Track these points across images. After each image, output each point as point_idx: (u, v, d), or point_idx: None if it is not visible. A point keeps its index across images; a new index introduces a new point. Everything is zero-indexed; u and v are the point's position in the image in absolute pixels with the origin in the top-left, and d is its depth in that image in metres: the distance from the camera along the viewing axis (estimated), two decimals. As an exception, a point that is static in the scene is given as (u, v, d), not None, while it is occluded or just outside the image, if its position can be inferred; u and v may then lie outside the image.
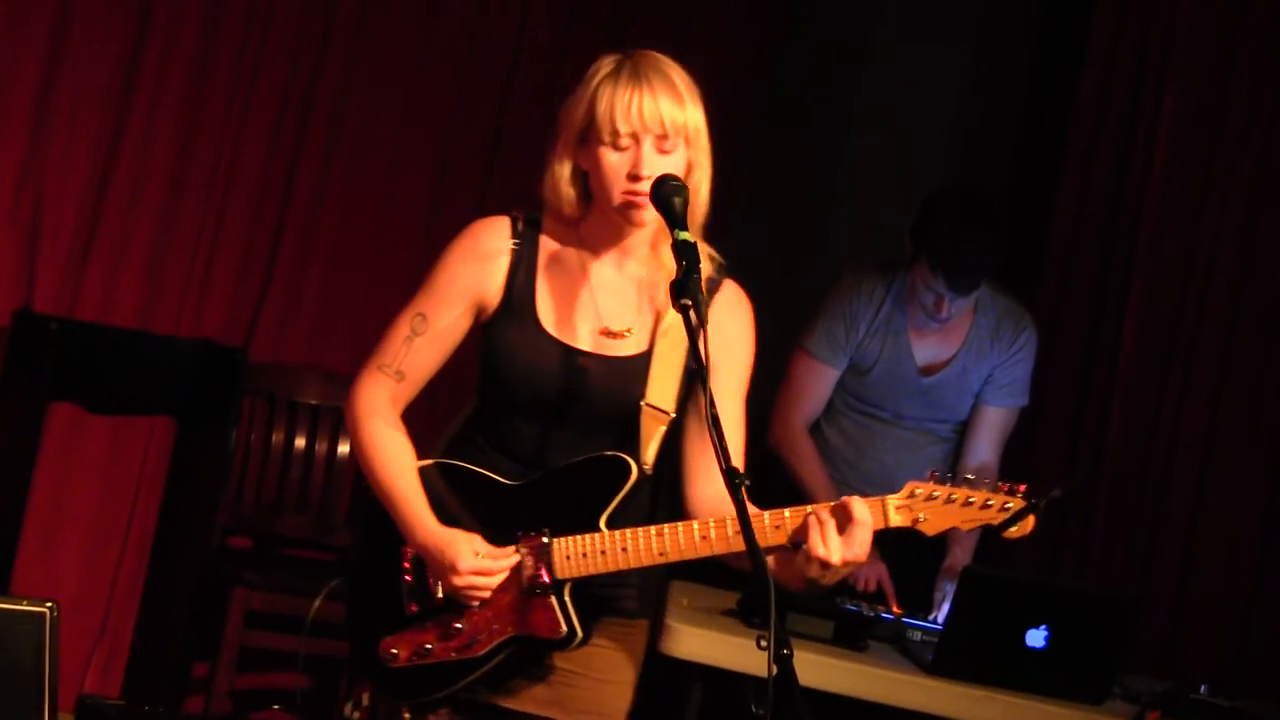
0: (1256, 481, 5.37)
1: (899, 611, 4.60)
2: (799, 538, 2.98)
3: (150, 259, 5.47)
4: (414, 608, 3.13)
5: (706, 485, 3.13)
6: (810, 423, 4.93)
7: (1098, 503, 5.48)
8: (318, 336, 5.77)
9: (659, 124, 3.03)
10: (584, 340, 3.13)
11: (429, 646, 3.11)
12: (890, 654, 4.35)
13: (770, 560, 2.95)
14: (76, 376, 5.23)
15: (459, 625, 3.10)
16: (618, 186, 3.05)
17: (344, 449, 5.69)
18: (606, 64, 3.09)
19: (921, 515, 3.03)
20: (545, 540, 3.07)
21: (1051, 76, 6.13)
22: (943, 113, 6.43)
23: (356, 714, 5.57)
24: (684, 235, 3.00)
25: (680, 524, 3.05)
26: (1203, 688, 4.43)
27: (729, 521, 2.99)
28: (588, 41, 6.00)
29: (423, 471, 3.15)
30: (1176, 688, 4.48)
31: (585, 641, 3.09)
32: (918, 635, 4.46)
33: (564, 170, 3.12)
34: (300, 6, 5.62)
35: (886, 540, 4.85)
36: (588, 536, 3.06)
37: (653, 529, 3.04)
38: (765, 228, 6.39)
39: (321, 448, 5.67)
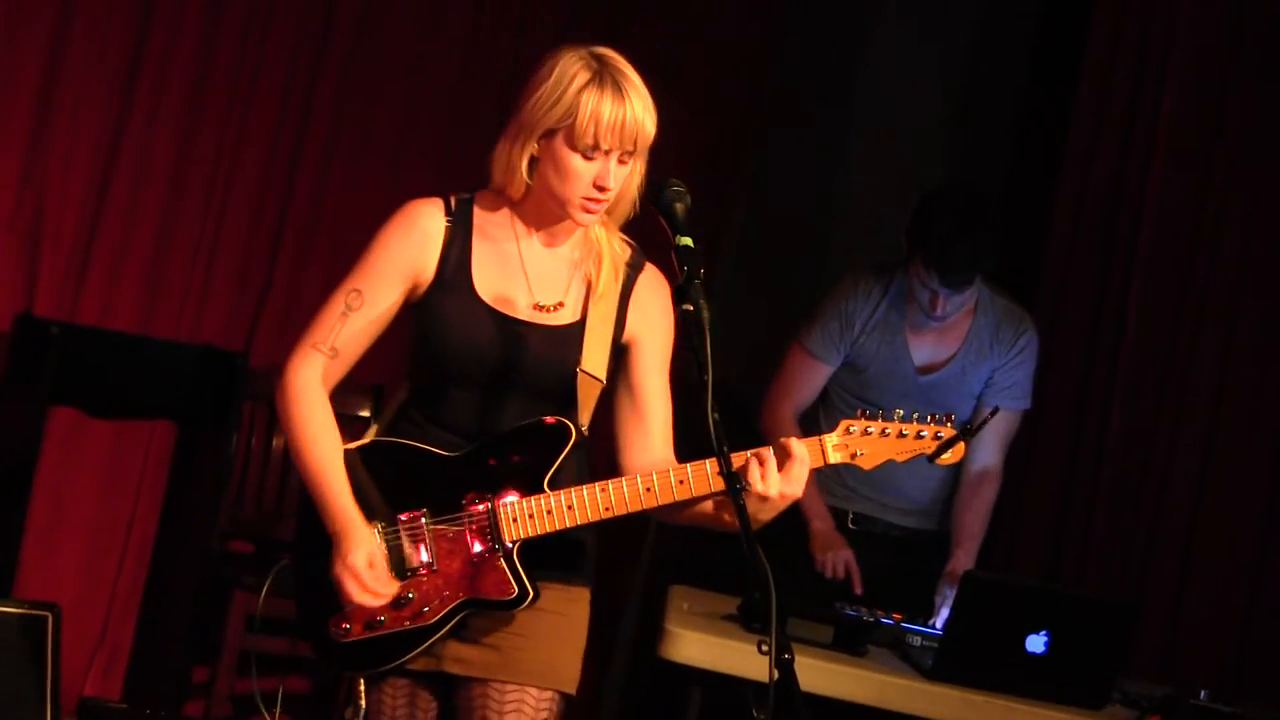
0: (1257, 484, 5.37)
1: (859, 592, 4.63)
2: (741, 475, 3.09)
3: (151, 263, 5.47)
4: None
5: (642, 453, 3.26)
6: (799, 413, 4.96)
7: (1098, 506, 5.48)
8: (318, 341, 5.76)
9: (634, 143, 3.14)
10: (520, 312, 3.22)
11: (381, 618, 3.17)
12: (890, 659, 4.35)
13: (710, 506, 3.15)
14: (77, 381, 5.23)
15: (410, 594, 3.16)
16: (578, 191, 3.15)
17: (344, 453, 5.69)
18: (580, 67, 3.17)
19: (859, 450, 3.20)
20: (490, 503, 3.15)
21: (1051, 76, 6.13)
22: (942, 113, 6.43)
23: (356, 718, 5.58)
24: (685, 241, 3.06)
25: (623, 478, 3.15)
26: (1202, 693, 4.43)
27: (671, 471, 3.13)
28: (587, 45, 6.01)
29: (359, 451, 3.22)
30: (1176, 693, 4.48)
31: (535, 600, 3.16)
32: (918, 640, 4.46)
33: (523, 158, 3.19)
34: (299, 10, 5.62)
35: (890, 547, 4.93)
36: (533, 498, 3.15)
37: (596, 485, 3.14)
38: (764, 227, 6.39)
39: (322, 452, 5.66)
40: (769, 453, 3.12)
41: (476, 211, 3.27)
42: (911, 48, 6.47)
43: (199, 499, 5.47)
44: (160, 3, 5.37)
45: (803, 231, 6.46)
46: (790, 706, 2.77)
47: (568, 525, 3.14)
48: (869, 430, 3.20)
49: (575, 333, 3.22)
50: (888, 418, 3.21)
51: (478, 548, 3.15)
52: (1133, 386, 5.50)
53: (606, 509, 3.14)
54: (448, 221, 3.24)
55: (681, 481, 3.13)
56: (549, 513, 3.14)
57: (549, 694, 3.24)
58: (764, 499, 3.09)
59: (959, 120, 6.45)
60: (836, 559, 4.80)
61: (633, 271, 3.28)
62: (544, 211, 3.23)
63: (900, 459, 3.24)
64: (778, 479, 3.10)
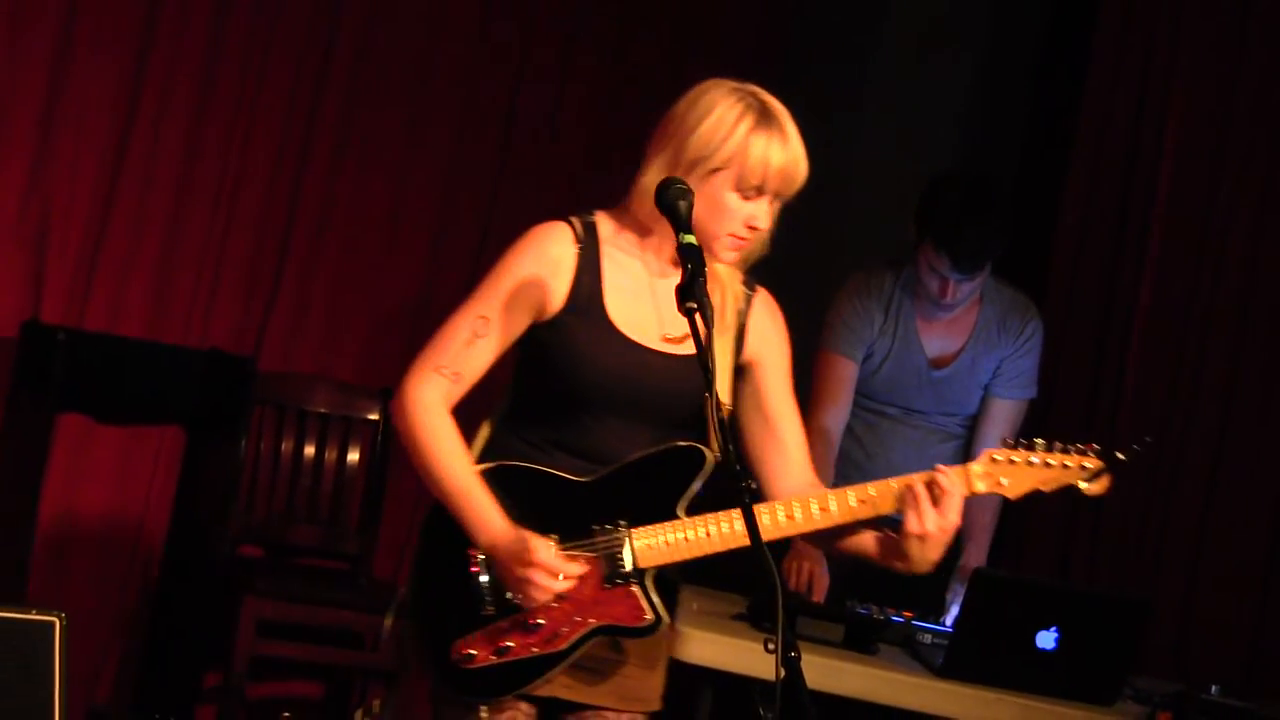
0: (1268, 478, 5.34)
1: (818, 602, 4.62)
2: (897, 507, 3.15)
3: (158, 269, 5.47)
4: (490, 609, 3.15)
5: (784, 476, 3.29)
6: (839, 424, 4.89)
7: (1108, 502, 5.46)
8: (326, 346, 5.77)
9: (794, 190, 3.22)
10: (652, 341, 3.22)
11: (509, 644, 3.14)
12: (900, 657, 4.34)
13: (866, 546, 3.22)
14: (85, 387, 5.24)
15: (539, 620, 3.13)
16: (729, 228, 3.18)
17: (354, 457, 5.70)
18: (743, 108, 3.17)
19: (1004, 480, 3.19)
20: (624, 530, 3.13)
21: (1061, 67, 6.12)
22: (952, 105, 6.43)
23: (368, 721, 5.59)
24: (689, 239, 3.05)
25: (763, 505, 3.15)
26: (1214, 689, 4.42)
27: (812, 501, 3.14)
28: (592, 53, 6.02)
29: (483, 475, 3.17)
30: (1187, 689, 4.47)
31: (666, 626, 3.17)
32: (928, 638, 4.45)
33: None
34: (305, 18, 5.62)
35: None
36: (668, 524, 3.14)
37: (733, 513, 3.13)
38: (773, 222, 6.38)
39: (331, 456, 5.68)
40: (921, 489, 3.13)
41: (603, 236, 3.25)
42: (923, 41, 6.47)
43: (209, 504, 5.48)
44: (165, 8, 5.38)
45: (813, 226, 6.44)
46: (798, 704, 2.76)
47: (705, 552, 3.14)
48: (1014, 460, 3.19)
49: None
50: (1029, 446, 3.18)
51: (610, 574, 3.13)
52: (1143, 380, 5.49)
53: (745, 536, 3.10)
54: (578, 247, 3.21)
55: (824, 510, 3.16)
56: (685, 540, 3.13)
57: (645, 716, 3.32)
58: (923, 538, 3.13)
59: (970, 113, 6.45)
60: (801, 569, 4.75)
61: (747, 299, 3.32)
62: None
63: (1046, 489, 3.23)
64: (934, 515, 3.13)
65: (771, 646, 2.76)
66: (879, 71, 6.49)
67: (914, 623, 4.48)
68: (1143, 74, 5.57)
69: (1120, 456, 3.22)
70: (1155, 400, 5.48)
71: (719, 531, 3.12)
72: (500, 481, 3.17)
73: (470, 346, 3.18)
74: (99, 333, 5.32)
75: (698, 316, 2.96)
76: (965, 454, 5.00)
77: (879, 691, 4.17)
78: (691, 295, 2.97)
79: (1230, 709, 4.34)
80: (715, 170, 3.15)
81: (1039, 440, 3.21)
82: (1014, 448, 3.19)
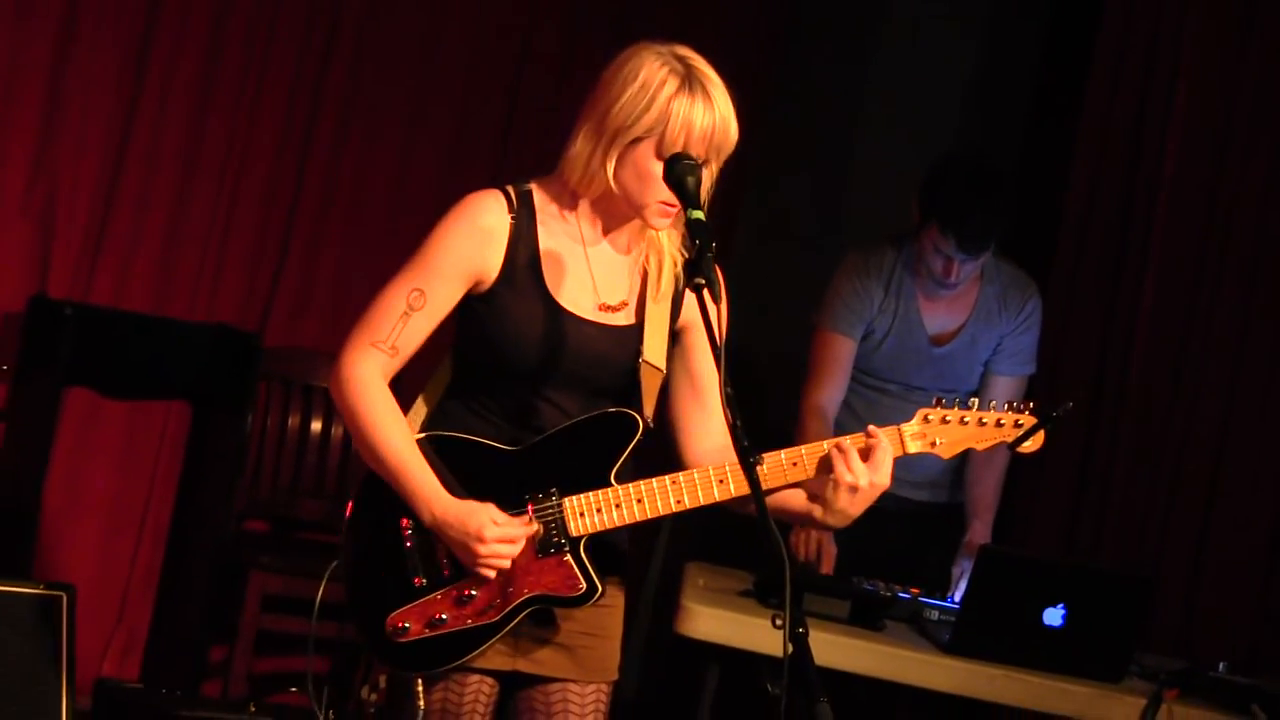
0: (1274, 455, 5.34)
1: (827, 572, 4.61)
2: (823, 469, 3.11)
3: (163, 245, 5.47)
4: (420, 580, 3.14)
5: (703, 439, 3.24)
6: (834, 402, 4.89)
7: (1114, 479, 5.46)
8: (332, 320, 5.76)
9: (720, 150, 3.13)
10: (587, 311, 3.18)
11: (443, 616, 3.12)
12: (907, 633, 4.35)
13: (793, 500, 3.15)
14: (92, 362, 5.23)
15: (472, 592, 3.11)
16: (659, 196, 3.10)
17: (360, 432, 5.69)
18: (667, 72, 3.11)
19: (937, 439, 3.19)
20: (556, 499, 3.11)
21: (1066, 47, 6.11)
22: (955, 91, 6.42)
23: (374, 696, 5.59)
24: (697, 214, 3.03)
25: (694, 471, 3.12)
26: (1220, 665, 4.43)
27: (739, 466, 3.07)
28: (596, 32, 6.00)
29: (418, 446, 3.15)
30: (1194, 666, 4.48)
31: (602, 596, 3.14)
32: (935, 614, 4.46)
33: (607, 163, 3.12)
34: (310, -4, 5.62)
35: (903, 521, 4.91)
36: (600, 492, 3.12)
37: (666, 478, 3.12)
38: (775, 207, 6.38)
39: (337, 432, 5.67)
40: (849, 443, 3.12)
41: (538, 205, 3.21)
42: (926, 25, 6.45)
43: (214, 479, 5.47)
44: (170, -15, 5.38)
45: (817, 211, 6.45)
46: (805, 680, 2.76)
47: (637, 519, 3.11)
48: (947, 419, 3.19)
49: (637, 330, 3.19)
50: (965, 405, 3.19)
51: (543, 543, 3.11)
52: (1149, 360, 5.48)
53: (678, 502, 3.11)
54: (511, 217, 3.17)
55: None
56: (618, 507, 3.11)
57: (607, 686, 3.29)
58: (854, 489, 3.10)
59: (974, 97, 6.44)
60: (810, 538, 4.75)
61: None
62: (613, 211, 3.19)
63: (980, 448, 3.23)
64: (864, 469, 3.11)
65: (779, 623, 2.76)
66: (882, 54, 6.48)
67: (921, 599, 4.49)
68: (1147, 58, 5.55)
69: (1053, 414, 3.22)
70: (1160, 382, 5.47)
71: (652, 499, 3.10)
72: (434, 451, 3.14)
73: (406, 320, 3.15)
74: (105, 308, 5.32)
75: (706, 293, 2.94)
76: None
77: (885, 668, 4.17)
78: (700, 271, 2.95)
79: (1236, 686, 4.34)
80: (640, 138, 3.10)
81: (974, 399, 3.22)
82: (948, 407, 3.19)
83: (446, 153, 5.88)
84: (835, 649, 4.09)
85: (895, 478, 4.95)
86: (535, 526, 3.10)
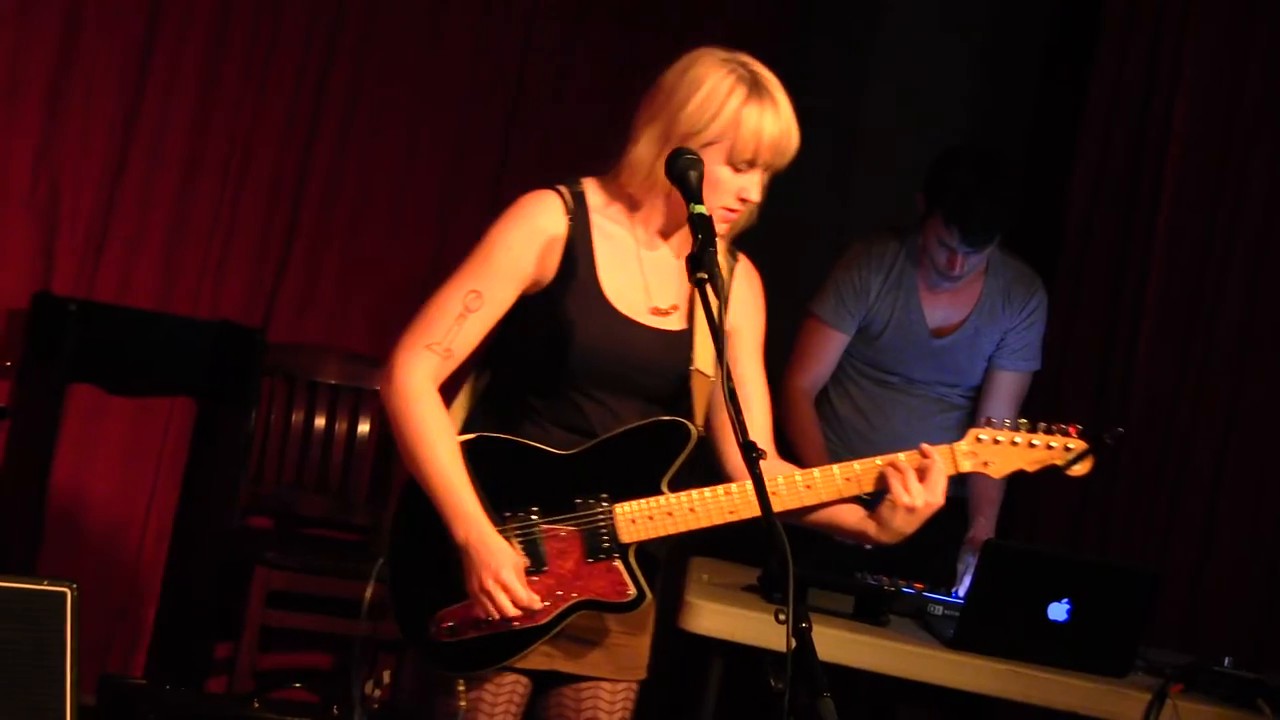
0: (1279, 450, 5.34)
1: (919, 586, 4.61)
2: (879, 486, 3.15)
3: (167, 241, 5.47)
4: None
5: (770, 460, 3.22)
6: (816, 387, 4.93)
7: (1120, 474, 5.46)
8: (336, 316, 5.77)
9: (786, 161, 3.17)
10: (641, 315, 3.18)
11: (489, 619, 3.10)
12: (911, 628, 4.34)
13: (846, 516, 3.19)
14: (96, 358, 5.24)
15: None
16: (721, 202, 3.13)
17: (364, 428, 5.69)
18: (734, 80, 3.12)
19: (989, 459, 3.20)
20: (607, 504, 3.11)
21: (1069, 41, 6.10)
22: (960, 85, 6.41)
23: (378, 691, 5.60)
24: (699, 209, 3.04)
25: (748, 481, 3.07)
26: (1226, 660, 4.42)
27: (798, 475, 3.14)
28: (600, 22, 6.00)
29: (464, 446, 3.14)
30: (1199, 660, 4.47)
31: (648, 602, 3.15)
32: (939, 609, 4.44)
33: (659, 162, 3.12)
34: (315, -14, 5.62)
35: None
36: (653, 499, 3.12)
37: (719, 488, 3.12)
38: (780, 199, 6.36)
39: (341, 427, 5.68)
40: (905, 462, 3.15)
41: (592, 206, 3.20)
42: (930, 17, 6.45)
43: (219, 475, 5.48)
44: (174, -20, 5.38)
45: (821, 203, 6.44)
46: (809, 675, 2.76)
47: (689, 528, 3.12)
48: (999, 439, 3.21)
49: (688, 336, 3.20)
50: (1014, 426, 3.21)
51: (591, 548, 3.11)
52: (1154, 357, 5.48)
53: (731, 512, 3.12)
54: (568, 219, 3.16)
55: (809, 486, 3.15)
56: (670, 515, 3.11)
57: (636, 684, 3.31)
58: (911, 510, 3.14)
59: (979, 89, 6.43)
60: None
61: (730, 268, 3.27)
62: (668, 215, 3.19)
63: (1030, 469, 3.25)
64: (921, 489, 3.14)
65: (783, 618, 2.76)
66: (887, 47, 6.47)
67: (925, 594, 4.48)
68: (1151, 53, 5.54)
69: (1106, 440, 3.24)
70: (1166, 376, 5.46)
71: (705, 508, 3.11)
72: (482, 453, 3.13)
73: (462, 322, 3.13)
74: (109, 304, 5.32)
75: (709, 287, 2.95)
76: (969, 425, 4.99)
77: (890, 663, 4.16)
78: (703, 265, 2.96)
79: (1242, 680, 4.33)
80: (708, 144, 3.11)
81: (1023, 420, 3.23)
82: (999, 427, 3.20)
83: (450, 148, 5.88)
84: (839, 644, 4.08)
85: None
86: (542, 606, 3.09)
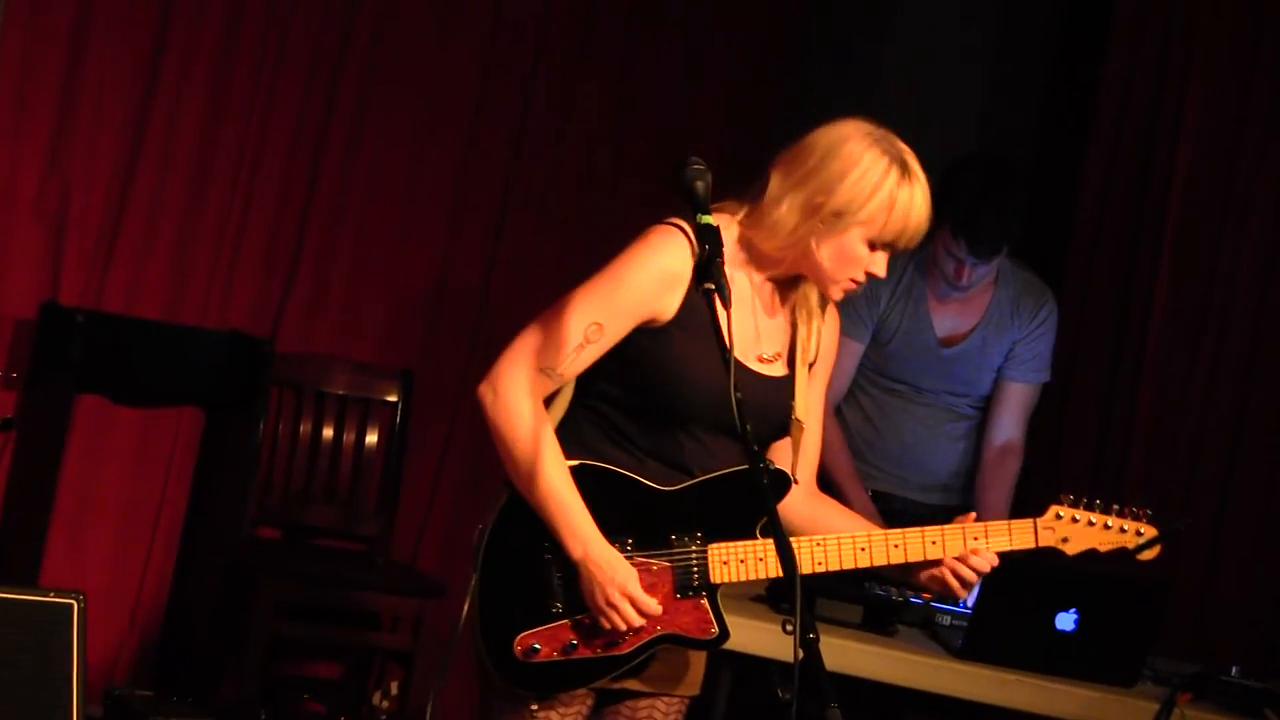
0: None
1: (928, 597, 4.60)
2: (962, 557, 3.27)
3: (176, 251, 5.47)
4: (557, 605, 3.16)
5: (809, 495, 3.35)
6: (836, 400, 4.93)
7: (1127, 483, 5.45)
8: (344, 326, 5.77)
9: (917, 243, 3.21)
10: (750, 360, 3.22)
11: (574, 643, 3.15)
12: (919, 638, 4.34)
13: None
14: (104, 369, 5.23)
15: (606, 623, 3.14)
16: (851, 274, 3.19)
17: (372, 439, 5.69)
18: (887, 162, 3.15)
19: (1065, 536, 3.31)
20: (701, 544, 3.17)
21: (1078, 45, 6.10)
22: (969, 91, 6.41)
23: (385, 703, 5.60)
24: (706, 219, 3.04)
25: (837, 536, 3.22)
26: (1234, 669, 4.41)
27: (887, 536, 3.23)
28: (609, 31, 6.00)
29: (570, 472, 3.17)
30: (1207, 670, 4.46)
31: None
32: (947, 620, 4.44)
33: (812, 236, 3.15)
34: (322, -1, 5.62)
35: (916, 522, 4.90)
36: (748, 543, 3.18)
37: (813, 539, 3.20)
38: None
39: (349, 438, 5.67)
40: (985, 538, 3.27)
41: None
42: (938, 26, 6.45)
43: (227, 485, 5.47)
44: (183, -13, 5.38)
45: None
46: (816, 686, 2.76)
47: (774, 576, 3.17)
48: (1076, 518, 3.30)
49: (789, 384, 3.25)
50: (1092, 505, 3.31)
51: (682, 585, 3.17)
52: (1163, 362, 5.47)
53: (819, 564, 3.19)
54: (694, 260, 3.13)
55: (896, 546, 3.22)
56: (761, 560, 3.17)
57: (689, 699, 3.37)
58: (969, 588, 3.30)
59: (987, 96, 6.43)
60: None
61: (822, 307, 3.33)
62: (790, 269, 3.23)
63: (1102, 549, 3.33)
64: (973, 579, 3.28)
65: (790, 628, 2.77)
66: (895, 54, 6.47)
67: (933, 604, 4.48)
68: (1160, 56, 5.55)
69: (1177, 528, 3.35)
70: (1174, 384, 5.46)
71: (796, 555, 3.11)
72: (583, 480, 3.16)
73: (580, 351, 3.15)
74: (117, 314, 5.32)
75: (716, 298, 2.96)
76: (977, 435, 5.01)
77: (897, 673, 4.17)
78: (709, 276, 2.97)
79: (1250, 690, 4.33)
80: (854, 224, 3.14)
81: (1098, 501, 3.33)
82: (1076, 506, 3.30)
83: (459, 157, 5.88)
84: (847, 654, 4.09)
85: (906, 481, 4.99)
86: (660, 610, 3.15)
